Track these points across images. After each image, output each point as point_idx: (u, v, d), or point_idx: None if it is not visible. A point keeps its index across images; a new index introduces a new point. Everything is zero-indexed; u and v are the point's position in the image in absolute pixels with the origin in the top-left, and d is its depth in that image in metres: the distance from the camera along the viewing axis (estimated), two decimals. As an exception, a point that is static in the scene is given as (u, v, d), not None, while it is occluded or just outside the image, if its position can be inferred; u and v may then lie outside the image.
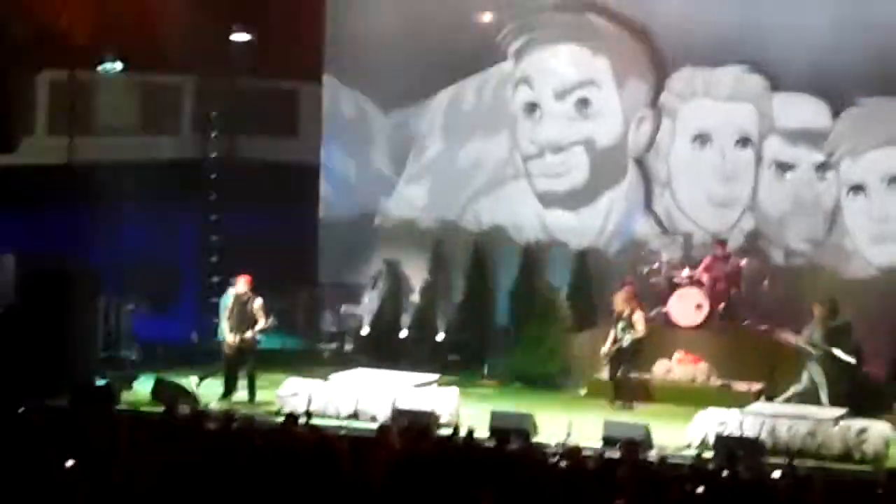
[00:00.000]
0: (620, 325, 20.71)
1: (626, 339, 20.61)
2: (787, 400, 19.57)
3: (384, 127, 24.38)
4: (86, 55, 23.09)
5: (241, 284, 20.06)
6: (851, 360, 19.21)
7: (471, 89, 23.95)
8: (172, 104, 25.26)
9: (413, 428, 14.88)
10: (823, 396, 19.51)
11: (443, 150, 24.19)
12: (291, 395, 19.21)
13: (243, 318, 19.90)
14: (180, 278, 24.27)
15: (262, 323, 19.91)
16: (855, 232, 22.34)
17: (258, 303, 19.96)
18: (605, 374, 21.34)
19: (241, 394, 19.88)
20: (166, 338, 22.99)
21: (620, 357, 20.66)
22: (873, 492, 12.85)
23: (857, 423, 17.86)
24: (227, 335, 19.93)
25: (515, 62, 23.78)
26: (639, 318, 20.69)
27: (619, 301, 20.88)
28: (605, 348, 20.71)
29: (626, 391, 20.60)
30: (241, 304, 19.96)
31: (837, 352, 18.77)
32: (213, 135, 24.85)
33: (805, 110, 22.42)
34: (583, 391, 21.51)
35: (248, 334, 19.87)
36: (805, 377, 19.78)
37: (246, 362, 19.90)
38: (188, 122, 25.43)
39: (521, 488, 12.07)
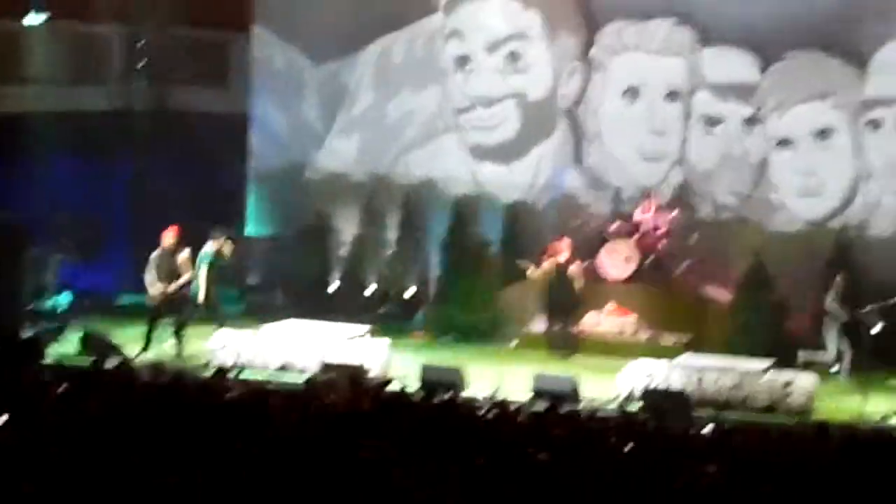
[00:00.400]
0: (557, 276, 20.89)
1: (564, 291, 20.80)
2: (808, 366, 19.50)
3: (314, 79, 24.27)
4: (10, 5, 22.78)
5: (169, 237, 19.96)
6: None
7: (401, 42, 23.89)
8: (100, 54, 24.97)
9: (342, 381, 14.89)
10: (846, 364, 19.53)
11: (373, 102, 24.12)
12: (221, 347, 19.17)
13: (170, 271, 19.81)
14: (109, 229, 24.09)
15: (186, 275, 19.83)
16: (782, 186, 22.53)
17: (184, 255, 19.87)
18: (535, 326, 21.46)
19: (170, 346, 19.80)
20: (95, 289, 22.84)
21: (559, 308, 20.85)
22: (798, 443, 12.99)
23: (784, 376, 18.06)
24: (153, 287, 19.84)
25: (446, 15, 23.72)
26: (577, 269, 20.88)
27: (557, 252, 21.05)
28: (542, 300, 20.89)
29: (562, 341, 20.81)
30: (169, 256, 19.87)
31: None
32: (141, 85, 24.62)
33: (734, 64, 22.53)
34: (513, 344, 21.62)
35: (174, 286, 19.79)
36: (832, 347, 19.76)
37: (171, 315, 19.80)
38: (116, 73, 25.16)
39: (449, 441, 12.10)
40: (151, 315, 19.83)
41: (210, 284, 20.13)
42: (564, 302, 20.88)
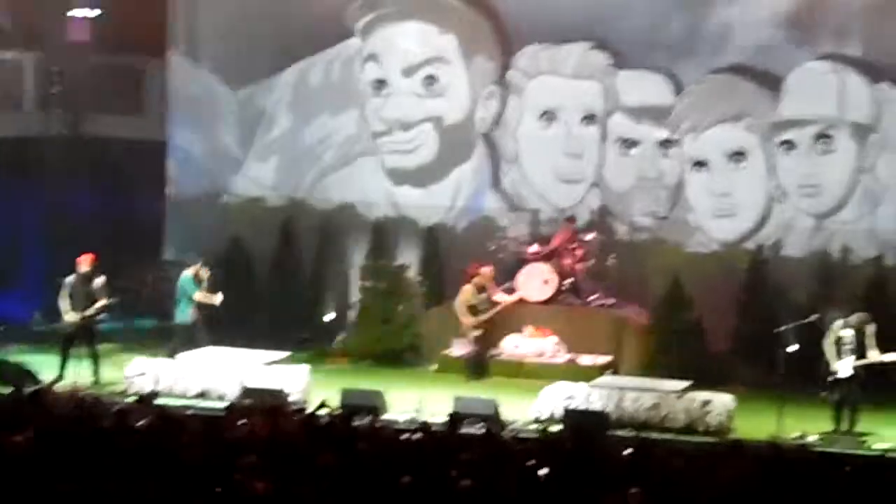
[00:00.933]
0: (481, 301, 20.98)
1: (487, 315, 20.89)
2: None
3: (231, 104, 24.18)
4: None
5: (84, 263, 19.80)
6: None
7: (318, 66, 23.88)
8: (13, 81, 24.77)
9: (262, 406, 14.82)
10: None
11: (291, 126, 24.08)
12: (138, 374, 19.02)
13: (85, 297, 19.65)
14: (22, 256, 23.87)
15: (102, 302, 19.67)
16: (697, 207, 22.74)
17: (99, 281, 19.72)
18: (455, 350, 21.50)
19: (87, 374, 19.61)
20: (8, 317, 22.60)
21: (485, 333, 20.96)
22: (715, 461, 13.09)
23: (701, 396, 18.19)
24: (68, 314, 19.67)
25: (363, 39, 23.75)
26: (500, 297, 21.03)
27: (484, 278, 21.14)
28: (472, 320, 20.90)
29: (482, 365, 20.88)
30: (84, 282, 19.71)
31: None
32: (56, 112, 24.43)
33: (648, 87, 22.73)
34: (433, 367, 21.62)
35: (89, 312, 19.62)
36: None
37: (86, 342, 19.62)
38: (31, 99, 24.96)
39: (369, 464, 12.09)
40: (65, 342, 19.64)
41: (198, 308, 20.11)
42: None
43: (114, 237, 22.70)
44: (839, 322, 18.21)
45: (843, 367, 17.98)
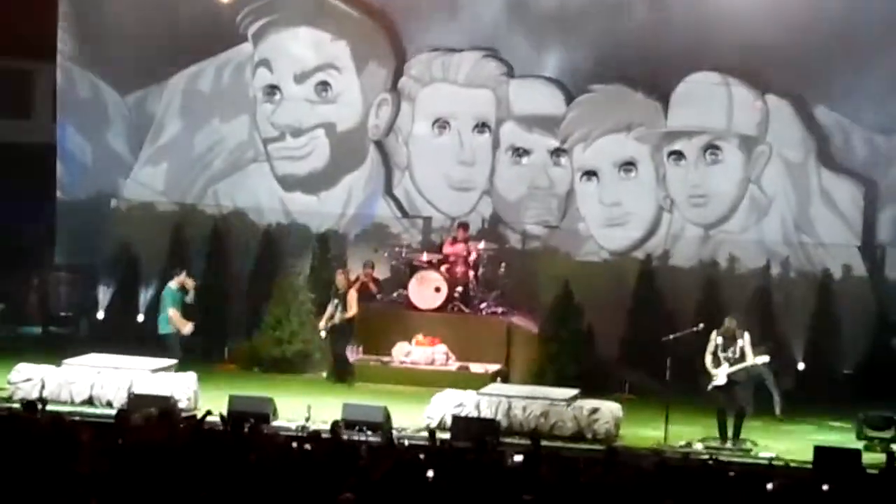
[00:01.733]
0: (336, 303, 21.01)
1: (338, 317, 20.89)
2: None
3: (120, 108, 23.94)
4: None
5: None
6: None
7: (209, 71, 23.72)
8: None
9: (151, 413, 14.69)
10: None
11: (181, 132, 23.89)
12: (24, 380, 18.77)
13: None
14: None
15: None
16: (588, 216, 22.90)
17: None
18: (348, 356, 21.46)
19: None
20: None
21: (336, 334, 20.94)
22: (599, 467, 13.20)
23: (589, 404, 18.32)
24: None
25: (254, 44, 23.64)
26: (352, 297, 21.01)
27: (339, 281, 21.16)
28: (322, 324, 20.96)
29: (344, 367, 20.85)
30: None
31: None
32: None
33: (540, 97, 22.88)
34: (324, 373, 21.57)
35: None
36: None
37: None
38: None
39: (257, 471, 12.03)
40: None
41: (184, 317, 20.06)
42: (339, 327, 21.06)
43: (4, 240, 22.38)
44: (714, 332, 18.43)
45: (720, 375, 18.19)
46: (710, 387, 18.25)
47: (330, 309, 21.07)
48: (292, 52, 23.52)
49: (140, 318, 23.24)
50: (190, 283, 20.54)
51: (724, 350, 18.20)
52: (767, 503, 12.21)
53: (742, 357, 18.20)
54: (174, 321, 20.17)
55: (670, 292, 22.20)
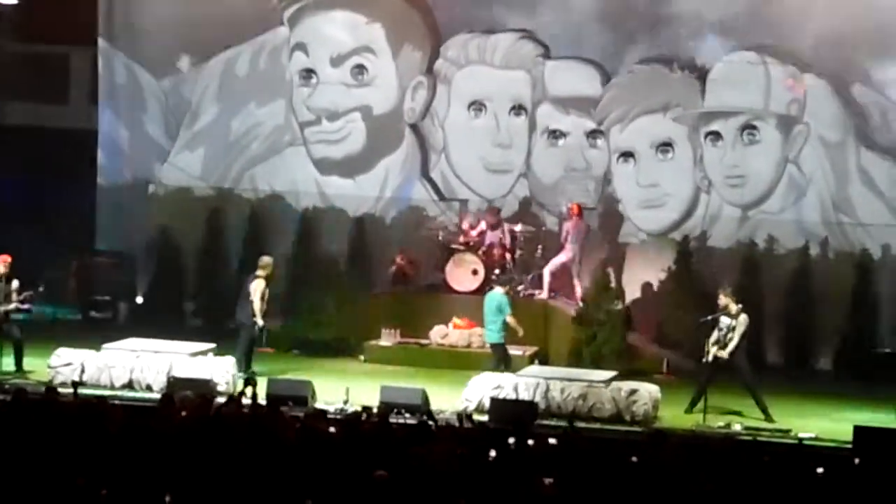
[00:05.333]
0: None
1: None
2: None
3: (156, 93, 24.02)
4: None
5: (0, 265, 19.51)
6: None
7: (245, 55, 23.77)
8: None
9: (193, 396, 14.75)
10: None
11: (217, 116, 23.95)
12: (64, 364, 18.84)
13: (1, 297, 19.39)
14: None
15: (14, 305, 19.40)
16: (624, 198, 22.85)
17: (15, 284, 19.45)
18: (383, 339, 21.49)
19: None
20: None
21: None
22: (640, 450, 13.18)
23: (627, 385, 18.28)
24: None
25: (290, 28, 23.67)
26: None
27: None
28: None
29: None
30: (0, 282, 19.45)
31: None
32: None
33: (576, 78, 22.82)
34: (362, 357, 21.60)
35: (6, 307, 19.33)
36: None
37: (7, 334, 19.37)
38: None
39: (299, 454, 12.08)
40: None
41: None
42: None
43: (41, 227, 22.47)
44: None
45: (710, 353, 18.18)
46: (712, 364, 18.15)
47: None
48: (328, 36, 23.54)
49: (179, 301, 23.35)
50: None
51: (722, 328, 18.14)
52: (809, 484, 12.16)
53: (727, 336, 18.09)
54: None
55: (708, 273, 22.14)
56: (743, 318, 18.30)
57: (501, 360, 19.41)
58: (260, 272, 20.07)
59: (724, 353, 18.12)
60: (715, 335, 18.22)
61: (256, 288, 19.86)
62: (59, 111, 24.76)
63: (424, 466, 11.74)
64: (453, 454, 12.40)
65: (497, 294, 19.68)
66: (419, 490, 11.17)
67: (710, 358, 18.16)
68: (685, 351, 20.89)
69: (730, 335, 18.17)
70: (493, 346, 19.67)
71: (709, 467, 12.28)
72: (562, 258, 21.92)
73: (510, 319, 19.45)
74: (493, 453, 12.67)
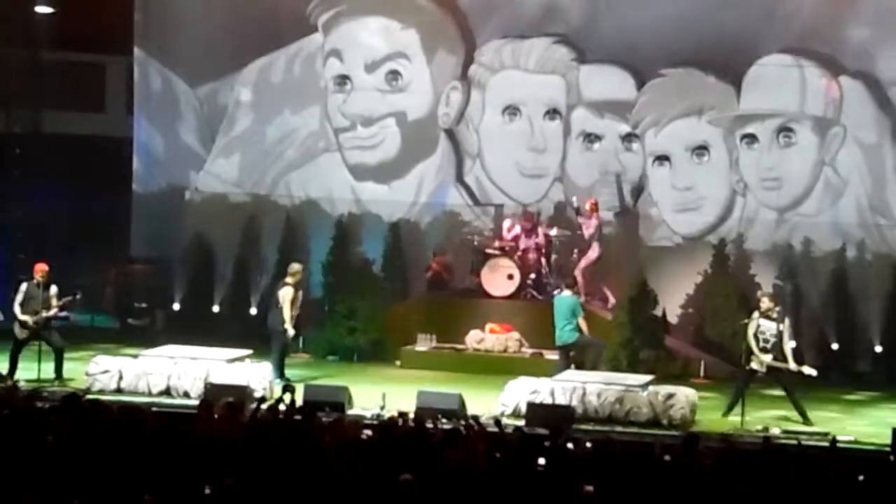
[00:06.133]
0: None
1: None
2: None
3: (191, 100, 24.12)
4: None
5: (38, 274, 19.61)
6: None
7: (280, 62, 23.84)
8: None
9: (230, 402, 14.77)
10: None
11: (252, 123, 24.03)
12: (101, 372, 18.91)
13: (38, 305, 19.48)
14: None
15: (53, 311, 19.49)
16: (660, 201, 22.80)
17: (53, 290, 19.54)
18: (418, 345, 21.51)
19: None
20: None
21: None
22: (675, 455, 13.14)
23: (665, 389, 18.21)
24: (21, 317, 19.48)
25: (325, 34, 23.72)
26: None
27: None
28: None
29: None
30: (37, 290, 19.53)
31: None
32: (16, 109, 24.31)
33: (611, 82, 22.79)
34: (398, 362, 21.62)
35: (42, 315, 19.43)
36: None
37: (47, 341, 19.45)
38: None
39: (334, 459, 12.08)
40: (15, 346, 19.42)
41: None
42: None
43: (78, 235, 22.58)
44: (756, 312, 18.25)
45: (763, 363, 18.01)
46: (758, 373, 18.05)
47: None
48: (362, 42, 23.59)
49: (216, 308, 23.45)
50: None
51: (765, 334, 18.03)
52: (846, 487, 12.10)
53: (780, 342, 17.98)
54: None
55: (744, 276, 22.07)
56: (787, 321, 18.21)
57: (570, 361, 19.48)
58: (289, 279, 20.10)
59: (791, 363, 17.94)
60: (759, 341, 18.05)
61: (285, 295, 19.89)
62: (95, 119, 24.89)
63: (460, 471, 11.73)
64: (489, 459, 12.40)
65: (568, 297, 19.70)
66: (454, 495, 11.15)
67: (765, 368, 17.97)
68: (723, 354, 20.81)
69: (779, 342, 18.01)
70: (564, 347, 19.69)
71: (745, 471, 12.23)
72: (591, 256, 21.90)
73: (582, 322, 19.48)
74: (530, 458, 12.64)
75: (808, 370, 18.02)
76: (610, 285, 22.22)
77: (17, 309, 19.49)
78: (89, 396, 15.56)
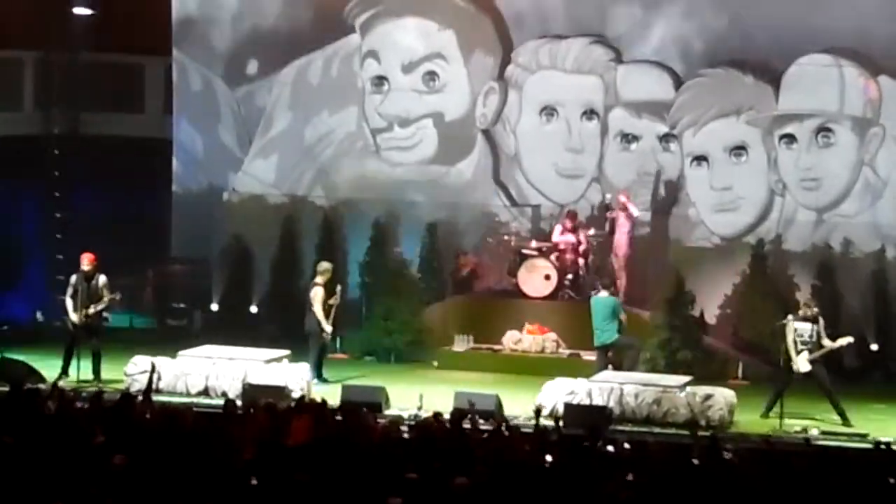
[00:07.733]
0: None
1: None
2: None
3: (230, 102, 24.21)
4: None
5: (85, 262, 19.77)
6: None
7: (318, 63, 23.89)
8: (13, 80, 24.77)
9: (267, 402, 14.82)
10: None
11: (290, 124, 24.09)
12: (140, 372, 18.99)
13: (88, 296, 19.62)
14: (24, 256, 23.90)
15: (105, 301, 19.64)
16: (698, 201, 22.74)
17: (102, 280, 19.69)
18: (456, 345, 21.52)
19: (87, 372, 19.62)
20: (11, 316, 22.63)
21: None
22: (715, 455, 13.11)
23: (702, 390, 18.17)
24: (72, 313, 19.65)
25: (362, 35, 23.76)
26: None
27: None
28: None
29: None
30: (86, 281, 19.68)
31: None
32: (56, 110, 24.46)
33: (648, 82, 22.74)
34: (435, 363, 21.63)
35: (92, 311, 19.59)
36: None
37: (90, 340, 19.60)
38: (30, 98, 24.97)
39: (374, 460, 12.11)
40: (69, 340, 19.63)
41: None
42: None
43: (117, 235, 22.69)
44: (790, 316, 18.26)
45: (802, 362, 18.01)
46: (795, 374, 18.03)
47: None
48: (400, 43, 23.61)
49: (254, 309, 23.53)
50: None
51: (802, 335, 18.02)
52: (886, 489, 12.05)
53: (818, 341, 17.99)
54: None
55: (783, 277, 21.99)
56: (821, 321, 18.18)
57: (608, 362, 19.52)
58: (318, 279, 20.16)
59: (826, 342, 17.95)
60: (798, 344, 18.00)
61: (315, 295, 19.96)
62: (134, 120, 25.00)
63: (499, 471, 11.73)
64: (528, 459, 12.40)
65: (606, 298, 19.72)
66: (494, 495, 11.15)
67: (804, 370, 17.95)
68: (761, 355, 20.74)
69: (817, 341, 17.99)
70: (602, 347, 19.70)
71: (784, 471, 12.19)
72: (624, 251, 21.90)
73: (623, 318, 19.59)
74: (568, 458, 12.64)
75: (844, 340, 18.03)
76: (646, 287, 22.16)
77: (68, 303, 19.63)
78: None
